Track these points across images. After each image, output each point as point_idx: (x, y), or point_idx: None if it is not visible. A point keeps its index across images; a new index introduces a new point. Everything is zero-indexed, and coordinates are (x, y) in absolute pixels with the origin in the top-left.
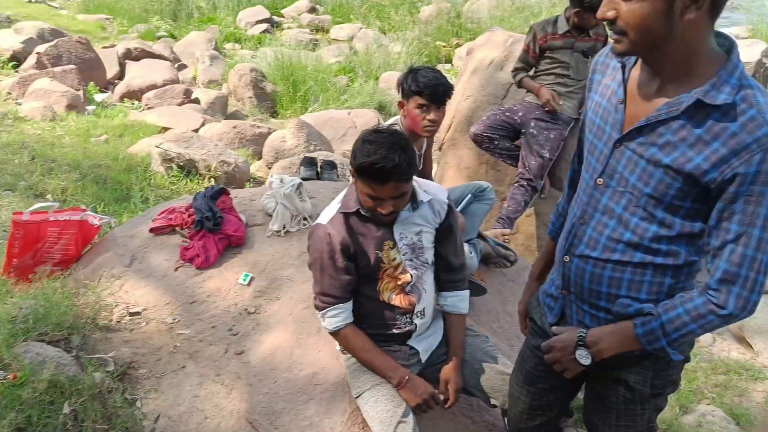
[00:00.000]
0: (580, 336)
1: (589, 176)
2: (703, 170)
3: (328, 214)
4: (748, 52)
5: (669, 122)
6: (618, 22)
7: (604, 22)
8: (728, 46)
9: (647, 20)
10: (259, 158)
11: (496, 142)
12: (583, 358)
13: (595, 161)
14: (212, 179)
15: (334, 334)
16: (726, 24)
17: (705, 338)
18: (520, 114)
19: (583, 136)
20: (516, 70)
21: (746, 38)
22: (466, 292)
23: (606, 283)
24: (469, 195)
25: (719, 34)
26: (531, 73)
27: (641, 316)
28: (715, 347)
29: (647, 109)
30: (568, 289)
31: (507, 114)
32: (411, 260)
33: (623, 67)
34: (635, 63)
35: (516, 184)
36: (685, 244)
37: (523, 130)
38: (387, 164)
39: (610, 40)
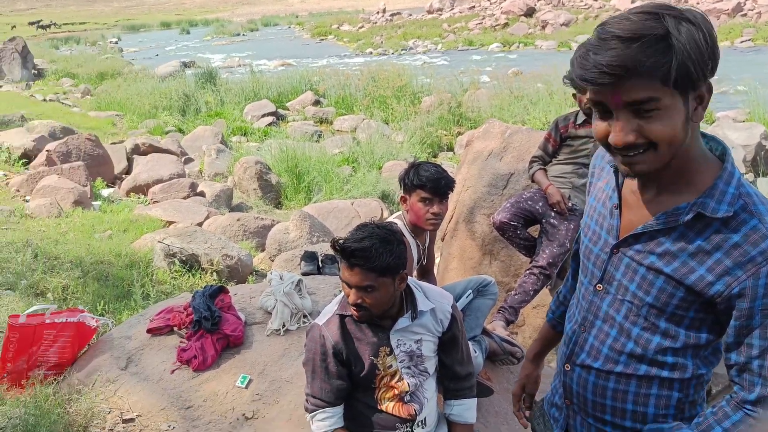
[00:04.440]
0: None
1: (588, 281)
2: (708, 282)
3: (326, 314)
4: (746, 135)
5: (668, 231)
6: (641, 141)
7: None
8: (721, 150)
9: (678, 131)
10: (263, 251)
11: (518, 231)
12: None
13: (592, 266)
14: (215, 273)
15: None
16: (723, 107)
17: None
18: (540, 204)
19: (579, 239)
20: (533, 161)
21: (743, 121)
22: (474, 401)
23: (610, 396)
24: (471, 291)
25: (709, 138)
26: (546, 167)
27: None
28: None
29: (643, 216)
30: (571, 399)
31: (529, 203)
32: (409, 368)
33: (617, 171)
34: None
35: (527, 272)
36: (691, 356)
37: (543, 220)
38: (352, 245)
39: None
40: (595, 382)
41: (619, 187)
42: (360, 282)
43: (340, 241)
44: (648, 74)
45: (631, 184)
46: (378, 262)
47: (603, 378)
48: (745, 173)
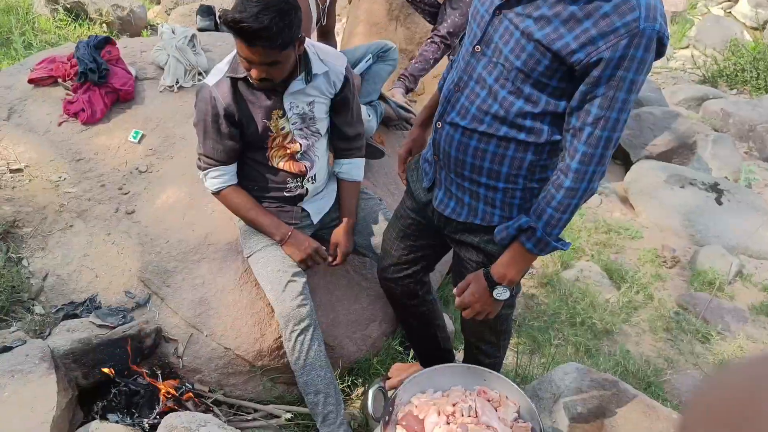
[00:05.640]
0: (487, 277)
1: (469, 42)
2: (571, 49)
3: (216, 75)
4: None
5: None
6: None
7: None
8: None
9: None
10: (158, 3)
11: None
12: (501, 294)
13: (476, 27)
14: (104, 25)
15: (216, 194)
16: None
17: (592, 200)
18: None
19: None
20: None
21: None
22: (362, 160)
23: (471, 154)
24: (371, 55)
25: None
26: None
27: (524, 233)
28: (600, 208)
29: None
30: (438, 155)
31: None
32: (301, 129)
33: None
34: None
35: (428, 40)
36: (548, 123)
37: None
38: (253, 25)
39: None
40: (460, 140)
41: None
42: (264, 60)
43: (235, 20)
44: None
45: None
46: (281, 39)
47: (467, 136)
48: None
